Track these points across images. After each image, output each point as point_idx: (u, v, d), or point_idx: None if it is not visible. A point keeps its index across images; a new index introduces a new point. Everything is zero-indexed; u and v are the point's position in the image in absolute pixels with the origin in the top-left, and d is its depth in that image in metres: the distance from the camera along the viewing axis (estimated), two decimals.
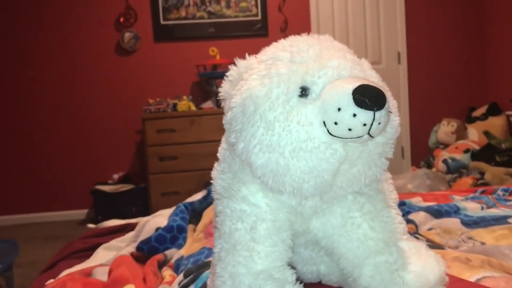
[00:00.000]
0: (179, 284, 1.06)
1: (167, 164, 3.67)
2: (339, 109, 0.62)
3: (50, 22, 4.04)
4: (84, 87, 4.10)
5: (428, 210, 1.56)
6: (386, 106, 0.62)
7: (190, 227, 1.57)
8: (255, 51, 0.77)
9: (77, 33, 4.07)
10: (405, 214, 1.51)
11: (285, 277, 0.72)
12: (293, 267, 0.78)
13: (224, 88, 0.74)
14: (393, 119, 0.69)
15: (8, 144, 4.07)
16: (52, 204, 4.11)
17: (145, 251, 1.40)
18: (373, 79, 0.71)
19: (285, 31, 4.18)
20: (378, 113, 0.61)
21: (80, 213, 4.12)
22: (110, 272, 1.21)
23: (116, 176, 4.00)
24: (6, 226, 3.96)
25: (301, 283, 0.73)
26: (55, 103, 4.09)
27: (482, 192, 1.89)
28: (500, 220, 1.45)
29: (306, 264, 0.84)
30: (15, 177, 4.09)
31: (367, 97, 0.61)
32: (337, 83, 0.65)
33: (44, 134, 4.09)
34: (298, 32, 0.77)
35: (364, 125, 0.62)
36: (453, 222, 1.47)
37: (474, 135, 3.88)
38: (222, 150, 0.79)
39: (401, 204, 1.62)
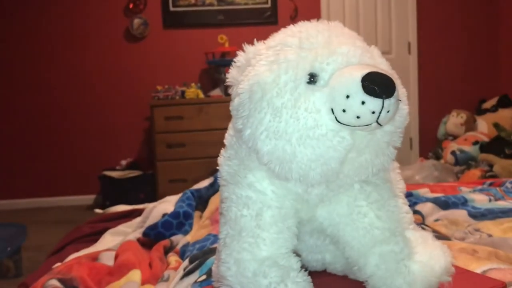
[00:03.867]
0: (184, 269, 1.06)
1: (175, 151, 3.68)
2: (347, 96, 0.62)
3: (60, 7, 4.04)
4: (93, 73, 4.11)
5: (435, 201, 1.55)
6: (395, 94, 0.61)
7: (196, 213, 1.58)
8: (264, 39, 0.76)
9: (86, 19, 4.06)
10: (412, 205, 1.51)
11: (290, 264, 0.72)
12: (298, 255, 0.78)
13: (232, 74, 0.73)
14: (402, 108, 0.68)
15: (17, 129, 4.10)
16: (60, 189, 4.14)
17: (152, 237, 1.41)
18: (383, 66, 0.70)
19: (295, 19, 4.15)
20: (387, 101, 0.61)
21: (88, 198, 4.15)
22: (116, 257, 1.22)
23: (124, 162, 4.02)
24: (15, 210, 4.00)
25: (305, 271, 0.73)
26: (64, 89, 4.10)
27: (490, 185, 1.88)
28: (508, 213, 1.44)
29: (311, 252, 0.84)
30: (24, 162, 4.12)
31: (376, 85, 0.60)
32: (346, 70, 0.64)
33: (53, 120, 4.11)
34: (308, 20, 0.76)
35: (373, 113, 0.61)
36: (460, 214, 1.46)
37: (484, 127, 3.85)
38: (229, 137, 0.78)
39: (408, 195, 1.62)
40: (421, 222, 1.42)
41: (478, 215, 1.45)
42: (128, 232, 1.51)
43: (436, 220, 1.43)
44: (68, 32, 4.06)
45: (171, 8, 4.11)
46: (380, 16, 4.33)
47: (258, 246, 0.71)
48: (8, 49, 4.04)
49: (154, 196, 3.69)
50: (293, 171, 0.66)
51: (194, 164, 3.68)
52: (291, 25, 0.74)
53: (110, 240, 1.46)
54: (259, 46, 0.73)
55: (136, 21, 4.06)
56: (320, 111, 0.64)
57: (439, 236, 1.21)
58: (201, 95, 3.81)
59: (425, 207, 1.51)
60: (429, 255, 0.73)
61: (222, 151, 0.79)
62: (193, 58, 4.13)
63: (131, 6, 4.07)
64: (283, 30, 0.74)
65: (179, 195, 1.67)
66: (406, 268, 0.72)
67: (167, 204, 1.61)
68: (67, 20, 4.05)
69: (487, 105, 4.11)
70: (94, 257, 1.26)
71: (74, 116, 4.13)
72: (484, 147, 3.46)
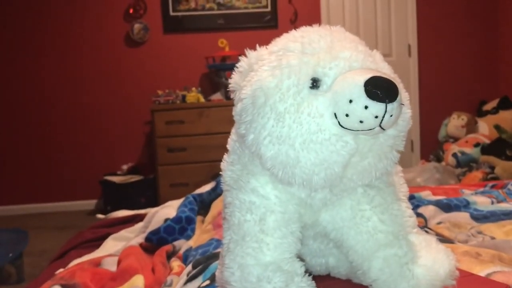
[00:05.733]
0: (187, 274, 1.06)
1: (176, 156, 3.68)
2: (350, 101, 0.62)
3: (60, 12, 4.05)
4: (93, 78, 4.12)
5: (437, 204, 1.55)
6: (398, 98, 0.61)
7: (198, 218, 1.58)
8: (264, 43, 0.77)
9: (86, 24, 4.07)
10: (414, 207, 1.50)
11: (294, 269, 0.71)
12: (301, 259, 0.78)
13: (234, 79, 0.73)
14: (405, 112, 0.68)
15: (18, 134, 4.10)
16: (62, 194, 4.14)
17: (154, 242, 1.41)
18: (385, 70, 0.70)
19: (295, 23, 4.16)
20: (390, 105, 0.61)
21: (89, 204, 4.15)
22: (119, 262, 1.22)
23: (125, 167, 4.02)
24: (16, 216, 4.00)
25: (309, 275, 0.73)
26: (65, 94, 4.11)
27: (492, 187, 1.88)
28: (510, 215, 1.44)
29: (315, 256, 0.84)
30: (26, 168, 4.12)
31: (379, 89, 0.60)
32: (348, 74, 0.64)
33: (54, 125, 4.11)
34: (308, 24, 0.76)
35: (376, 117, 0.61)
36: (462, 216, 1.46)
37: (485, 129, 3.85)
38: (231, 142, 0.78)
39: (410, 198, 1.61)
40: (423, 225, 1.42)
41: (481, 217, 1.45)
42: (130, 237, 1.51)
43: (439, 223, 1.43)
44: (68, 37, 4.07)
45: (171, 13, 4.12)
46: (380, 19, 4.34)
47: (262, 251, 0.71)
48: (9, 54, 4.05)
49: (155, 201, 3.70)
50: (297, 175, 0.66)
51: (195, 168, 3.68)
52: (293, 30, 0.74)
53: (112, 245, 1.46)
54: (261, 51, 0.73)
55: (137, 26, 4.07)
56: (323, 116, 0.64)
57: (442, 239, 1.21)
58: (202, 99, 3.82)
59: (427, 210, 1.51)
60: (433, 259, 0.73)
61: (225, 156, 0.79)
62: (194, 62, 4.14)
63: (131, 11, 4.08)
64: (285, 35, 0.74)
65: (181, 199, 1.67)
66: (410, 272, 0.71)
67: (169, 209, 1.61)
68: (67, 25, 4.06)
69: (488, 107, 4.11)
70: (97, 263, 1.26)
71: (75, 121, 4.13)
72: (485, 149, 3.46)
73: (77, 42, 4.08)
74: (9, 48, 4.04)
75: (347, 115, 0.62)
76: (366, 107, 0.61)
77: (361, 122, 0.62)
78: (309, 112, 0.64)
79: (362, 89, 0.61)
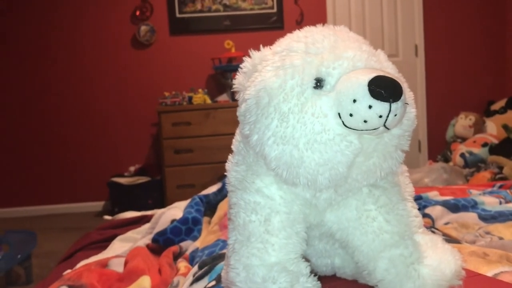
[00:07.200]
0: (193, 275, 1.06)
1: (183, 157, 3.68)
2: (354, 101, 0.61)
3: (67, 15, 4.08)
4: (100, 80, 4.14)
5: (444, 204, 1.54)
6: (402, 97, 0.61)
7: (205, 219, 1.58)
8: (270, 43, 0.77)
9: (93, 26, 4.09)
10: (421, 208, 1.50)
11: (299, 270, 0.71)
12: (307, 260, 0.78)
13: (238, 80, 0.74)
14: (410, 111, 0.68)
15: (26, 136, 4.13)
16: (70, 196, 4.16)
17: (161, 243, 1.41)
18: (389, 70, 0.70)
19: (301, 24, 4.16)
20: (394, 105, 0.60)
21: (97, 205, 4.17)
22: (126, 263, 1.23)
23: (132, 169, 4.03)
24: (25, 217, 4.03)
25: (315, 275, 0.73)
26: (72, 96, 4.13)
27: (501, 187, 1.86)
28: None
29: (321, 256, 0.84)
30: (34, 170, 4.14)
31: (383, 88, 0.60)
32: (352, 74, 0.64)
33: (61, 127, 4.14)
34: (314, 25, 0.76)
35: (380, 116, 0.60)
36: (470, 217, 1.46)
37: (493, 129, 3.82)
38: (236, 142, 0.78)
39: (418, 198, 1.61)
40: (430, 225, 1.41)
41: (489, 217, 1.44)
42: (137, 239, 1.51)
43: (446, 223, 1.42)
44: (75, 39, 4.09)
45: (178, 15, 4.13)
46: (386, 19, 4.32)
47: (267, 252, 0.71)
48: (15, 57, 4.08)
49: (162, 202, 3.71)
50: (301, 176, 0.66)
51: (202, 170, 3.68)
52: (297, 30, 0.74)
53: (119, 246, 1.46)
54: (265, 52, 0.73)
55: (143, 28, 4.08)
56: (327, 116, 0.64)
57: (449, 239, 1.20)
58: (208, 101, 3.82)
59: (435, 210, 1.50)
60: (439, 259, 0.72)
61: (230, 157, 0.79)
62: (200, 64, 4.15)
63: (137, 13, 4.10)
64: (289, 35, 0.74)
65: (188, 201, 1.68)
66: (416, 272, 0.71)
67: (176, 210, 1.61)
68: (74, 27, 4.08)
69: (496, 106, 4.09)
70: (104, 264, 1.26)
71: (82, 123, 4.15)
72: (494, 149, 3.44)
73: (83, 44, 4.10)
74: (16, 51, 4.07)
75: (351, 115, 0.62)
76: (370, 107, 0.61)
77: (365, 121, 0.61)
78: (313, 112, 0.64)
79: (366, 88, 0.61)
